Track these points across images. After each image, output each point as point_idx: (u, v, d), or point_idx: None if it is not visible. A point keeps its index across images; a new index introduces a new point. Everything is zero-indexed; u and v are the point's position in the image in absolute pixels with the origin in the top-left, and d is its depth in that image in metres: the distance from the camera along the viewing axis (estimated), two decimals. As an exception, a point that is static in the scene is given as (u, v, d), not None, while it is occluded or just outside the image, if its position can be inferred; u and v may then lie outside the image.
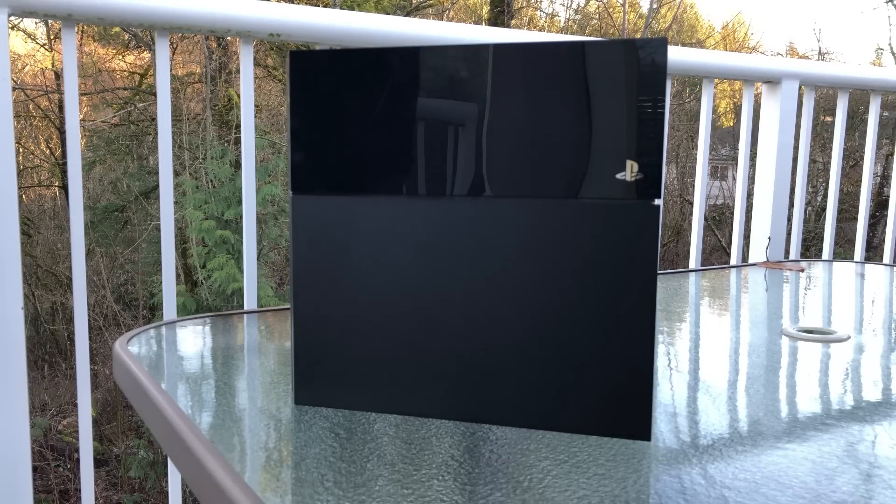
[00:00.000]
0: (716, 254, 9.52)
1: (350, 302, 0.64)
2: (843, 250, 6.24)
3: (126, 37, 8.31)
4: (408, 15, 8.64)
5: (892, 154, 8.64)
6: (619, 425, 0.59)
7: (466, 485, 0.52)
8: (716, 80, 1.80)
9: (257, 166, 5.57)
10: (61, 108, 7.84)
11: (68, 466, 6.16)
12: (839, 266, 1.52)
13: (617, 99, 0.57)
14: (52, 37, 8.20)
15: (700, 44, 14.81)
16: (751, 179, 1.88)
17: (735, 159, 3.18)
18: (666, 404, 0.68)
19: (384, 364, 0.64)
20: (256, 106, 2.55)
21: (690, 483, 0.52)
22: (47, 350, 7.42)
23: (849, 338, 0.92)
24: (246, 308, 1.30)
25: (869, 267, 1.50)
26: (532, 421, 0.61)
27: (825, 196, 8.19)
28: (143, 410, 0.71)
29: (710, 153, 1.83)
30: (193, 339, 0.90)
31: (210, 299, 5.89)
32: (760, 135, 1.82)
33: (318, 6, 6.01)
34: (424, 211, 0.62)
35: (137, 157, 7.99)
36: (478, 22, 11.03)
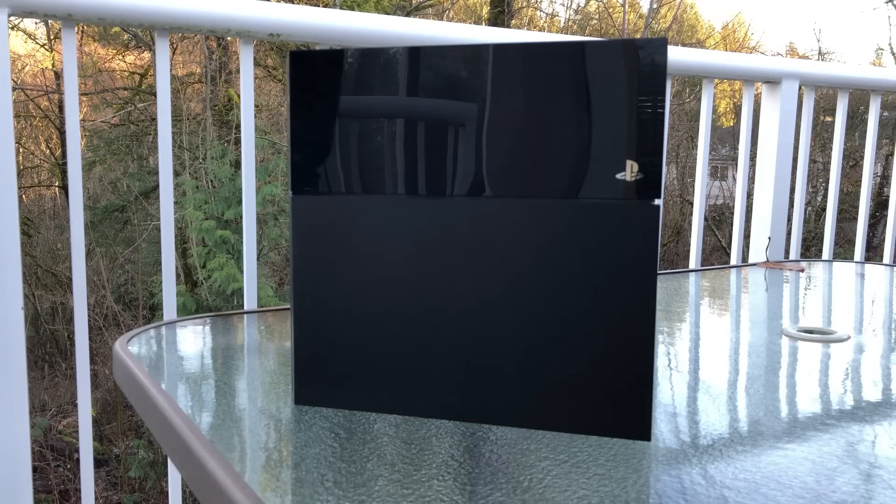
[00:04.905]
0: (716, 254, 9.52)
1: (350, 302, 0.64)
2: (843, 250, 6.24)
3: (126, 37, 8.30)
4: (408, 15, 8.64)
5: (892, 154, 8.64)
6: (619, 425, 0.59)
7: (466, 485, 0.52)
8: (716, 80, 1.80)
9: (257, 166, 5.57)
10: (61, 108, 7.84)
11: (68, 466, 6.16)
12: (839, 266, 1.52)
13: (617, 99, 0.57)
14: (52, 37, 8.20)
15: (700, 44, 14.81)
16: (751, 179, 1.88)
17: (735, 159, 3.18)
18: (666, 404, 0.68)
19: (384, 364, 0.64)
20: (256, 106, 2.55)
21: (690, 483, 0.52)
22: (47, 350, 7.41)
23: (849, 338, 0.92)
24: (246, 308, 1.30)
25: (869, 267, 1.50)
26: (532, 421, 0.61)
27: (825, 196, 8.18)
28: (143, 410, 0.71)
29: (710, 153, 1.83)
30: (193, 339, 0.90)
31: (210, 299, 5.88)
32: (760, 135, 1.82)
33: (318, 6, 6.01)
34: (424, 211, 0.62)
35: (137, 157, 7.98)
36: (478, 22, 11.03)
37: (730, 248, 2.33)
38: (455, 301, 0.62)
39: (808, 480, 0.53)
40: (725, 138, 11.29)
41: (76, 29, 1.20)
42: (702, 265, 1.66)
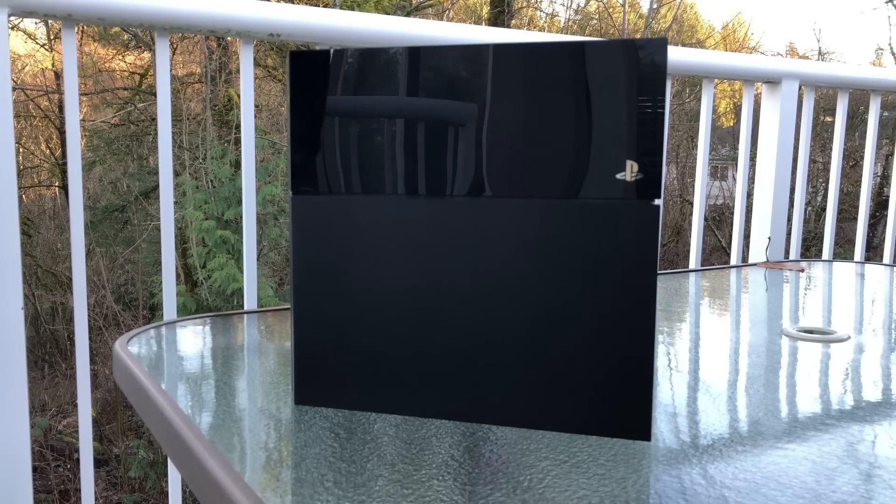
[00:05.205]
0: (716, 254, 9.52)
1: (350, 302, 0.64)
2: (843, 250, 6.24)
3: (126, 37, 8.30)
4: (408, 15, 8.64)
5: (892, 154, 8.64)
6: (619, 425, 0.59)
7: (466, 485, 0.52)
8: (716, 80, 1.80)
9: (257, 166, 5.56)
10: (61, 108, 7.84)
11: (68, 466, 6.16)
12: (839, 266, 1.52)
13: (617, 99, 0.57)
14: (52, 37, 8.19)
15: (700, 44, 14.81)
16: (751, 179, 1.88)
17: (735, 159, 3.18)
18: (666, 404, 0.68)
19: (384, 364, 0.64)
20: (256, 106, 2.55)
21: (690, 483, 0.52)
22: (47, 350, 7.41)
23: (849, 338, 0.92)
24: (246, 308, 1.30)
25: (869, 267, 1.50)
26: (532, 421, 0.61)
27: (825, 196, 8.18)
28: (143, 410, 0.71)
29: (710, 153, 1.83)
30: (193, 339, 0.90)
31: (210, 299, 5.88)
32: (760, 135, 1.82)
33: (318, 6, 6.01)
34: (424, 211, 0.62)
35: (137, 157, 7.98)
36: (478, 22, 11.03)
37: (730, 248, 2.33)
38: (455, 301, 0.62)
39: (808, 480, 0.53)
40: (725, 138, 11.29)
41: (76, 29, 1.20)
42: (702, 265, 1.66)
